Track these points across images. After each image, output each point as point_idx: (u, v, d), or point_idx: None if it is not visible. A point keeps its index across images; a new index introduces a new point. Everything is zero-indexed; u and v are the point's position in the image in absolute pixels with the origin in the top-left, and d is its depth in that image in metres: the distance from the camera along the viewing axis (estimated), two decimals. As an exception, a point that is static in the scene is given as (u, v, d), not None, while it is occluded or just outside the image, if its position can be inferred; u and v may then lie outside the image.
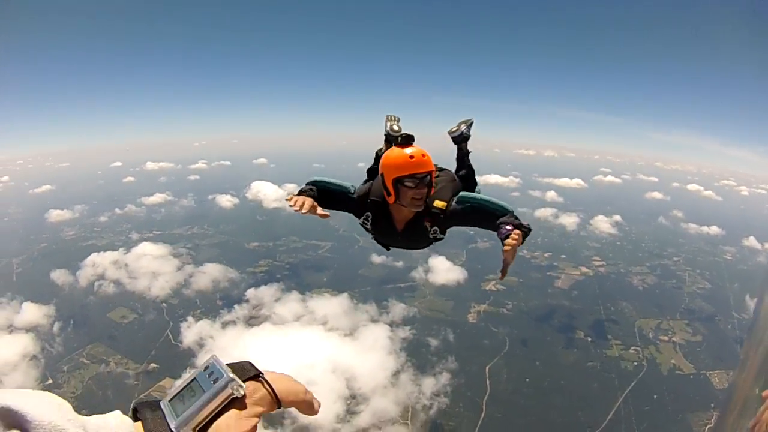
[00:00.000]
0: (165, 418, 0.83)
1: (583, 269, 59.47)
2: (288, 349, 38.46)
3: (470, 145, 4.48)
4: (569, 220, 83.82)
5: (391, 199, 3.26)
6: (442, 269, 53.89)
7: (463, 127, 4.39)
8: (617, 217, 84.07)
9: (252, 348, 39.49)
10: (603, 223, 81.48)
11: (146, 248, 62.25)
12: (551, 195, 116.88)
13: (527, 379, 37.61)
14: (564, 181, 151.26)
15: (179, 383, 0.89)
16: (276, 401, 0.94)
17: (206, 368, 0.90)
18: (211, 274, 55.22)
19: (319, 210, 3.14)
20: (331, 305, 46.73)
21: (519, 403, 34.82)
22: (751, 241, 75.90)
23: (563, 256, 63.50)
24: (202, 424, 0.85)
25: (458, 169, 4.31)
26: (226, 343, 41.20)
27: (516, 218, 3.06)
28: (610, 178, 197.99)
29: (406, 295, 49.12)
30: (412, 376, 37.13)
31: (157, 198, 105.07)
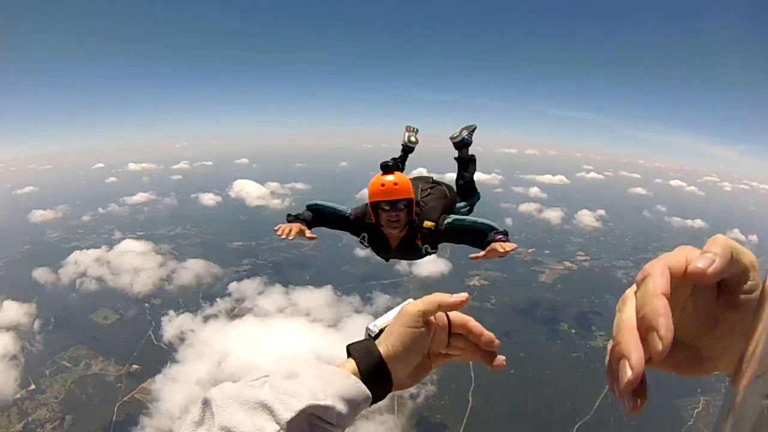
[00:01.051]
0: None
1: (567, 264, 59.62)
2: (271, 340, 37.83)
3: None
4: (553, 215, 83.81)
5: (373, 220, 3.43)
6: (426, 261, 53.79)
7: (465, 133, 4.45)
8: (601, 212, 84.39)
9: (234, 339, 38.70)
10: (587, 217, 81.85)
11: (129, 245, 61.63)
12: (534, 191, 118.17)
13: (511, 371, 36.85)
14: (547, 178, 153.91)
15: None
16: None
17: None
18: (193, 269, 54.63)
19: (308, 233, 3.33)
20: (314, 297, 46.19)
21: (504, 395, 34.46)
22: (735, 234, 76.72)
23: (547, 252, 63.67)
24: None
25: (459, 175, 4.42)
26: (207, 336, 40.45)
27: (504, 233, 3.19)
28: (592, 174, 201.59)
29: (390, 290, 48.81)
30: (398, 366, 36.24)
31: (140, 197, 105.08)
